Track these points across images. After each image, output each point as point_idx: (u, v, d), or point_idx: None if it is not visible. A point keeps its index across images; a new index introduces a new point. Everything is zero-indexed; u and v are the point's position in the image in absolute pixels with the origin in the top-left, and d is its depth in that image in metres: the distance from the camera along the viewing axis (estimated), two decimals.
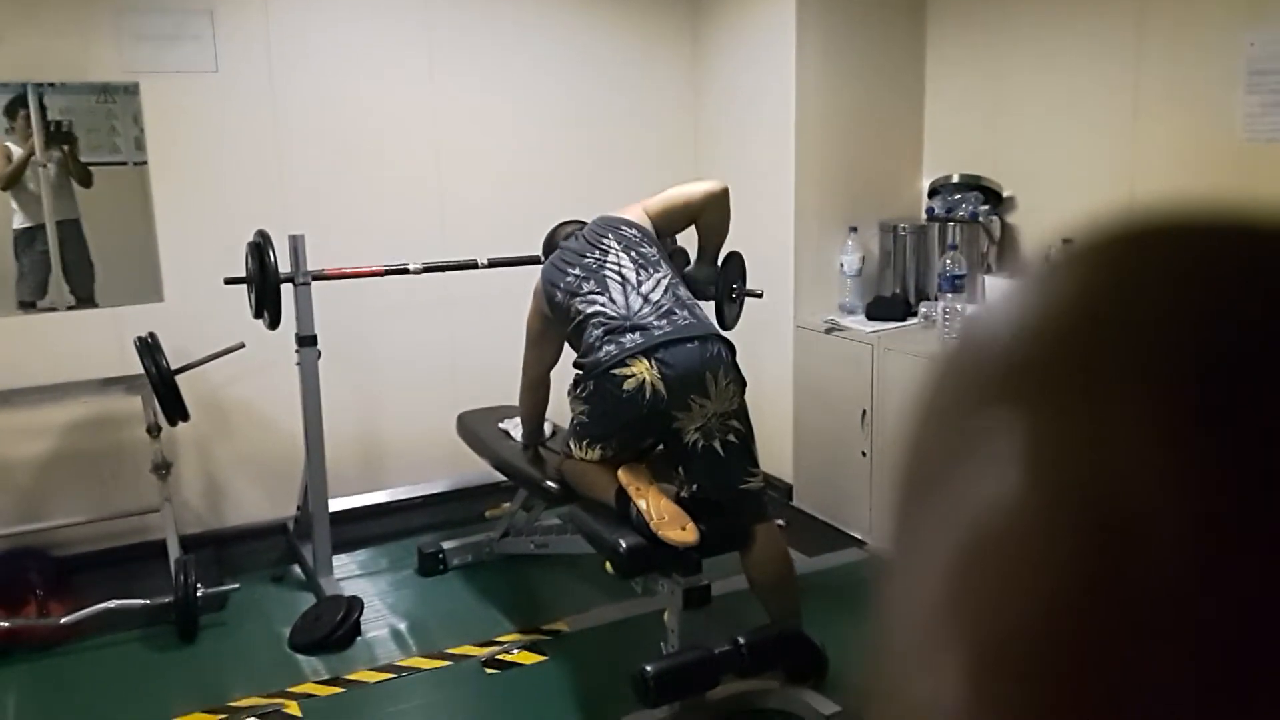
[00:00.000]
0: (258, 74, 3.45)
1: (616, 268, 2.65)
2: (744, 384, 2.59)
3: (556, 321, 2.76)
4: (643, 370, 2.45)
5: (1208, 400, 0.23)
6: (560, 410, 3.15)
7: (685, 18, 4.12)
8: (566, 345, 2.82)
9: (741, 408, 2.56)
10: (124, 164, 3.50)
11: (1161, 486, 0.23)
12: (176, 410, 3.08)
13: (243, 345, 3.26)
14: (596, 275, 2.65)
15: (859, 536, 3.65)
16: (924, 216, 3.79)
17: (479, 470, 3.70)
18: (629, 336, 2.51)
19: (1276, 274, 0.25)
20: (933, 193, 3.79)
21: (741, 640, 2.35)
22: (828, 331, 3.69)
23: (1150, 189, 3.16)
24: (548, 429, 3.17)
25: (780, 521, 3.18)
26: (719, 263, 2.94)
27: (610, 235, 2.72)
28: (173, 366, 3.07)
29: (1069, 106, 3.43)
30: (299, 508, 3.51)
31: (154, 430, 3.08)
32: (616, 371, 2.46)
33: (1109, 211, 0.27)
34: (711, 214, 2.81)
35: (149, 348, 3.07)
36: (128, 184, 3.48)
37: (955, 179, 3.72)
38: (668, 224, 2.80)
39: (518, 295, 3.66)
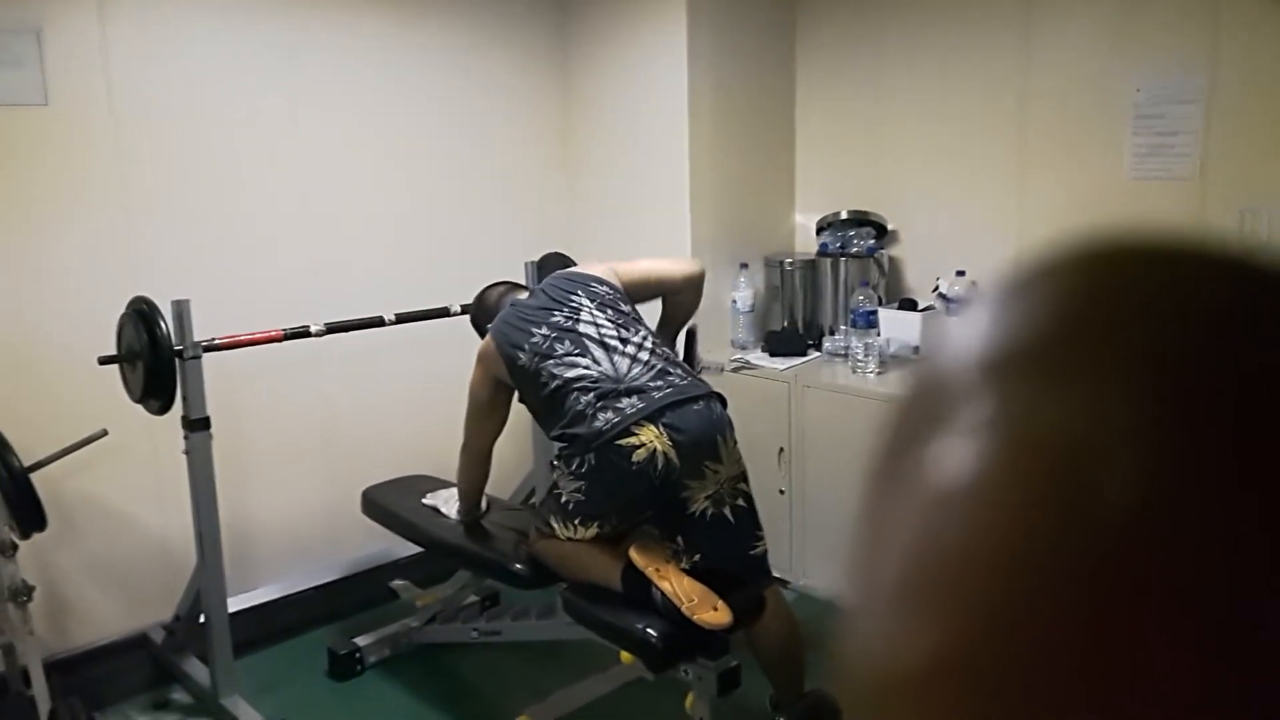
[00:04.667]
0: (96, 108, 2.89)
1: (593, 326, 2.43)
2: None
3: (522, 388, 2.50)
4: (652, 438, 2.25)
5: (1166, 372, 0.27)
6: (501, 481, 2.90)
7: (556, 69, 3.92)
8: (530, 415, 2.57)
9: (745, 469, 2.42)
10: None
11: (1120, 433, 0.26)
12: (33, 519, 2.52)
13: (105, 433, 2.73)
14: (571, 335, 2.42)
15: (780, 576, 3.60)
16: (815, 251, 3.82)
17: (374, 550, 3.34)
18: (626, 401, 2.30)
19: (1223, 288, 0.29)
20: (820, 229, 3.82)
21: None
22: (737, 370, 3.62)
23: (1037, 220, 3.35)
24: (483, 503, 2.88)
25: None
26: (679, 337, 2.81)
27: (580, 292, 2.50)
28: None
29: (949, 142, 3.57)
30: (176, 616, 2.98)
31: (8, 548, 2.48)
32: (622, 442, 2.25)
33: (1067, 234, 0.31)
34: (687, 295, 2.70)
35: None
36: None
37: (844, 215, 3.77)
38: (637, 294, 2.63)
39: (399, 349, 3.35)
